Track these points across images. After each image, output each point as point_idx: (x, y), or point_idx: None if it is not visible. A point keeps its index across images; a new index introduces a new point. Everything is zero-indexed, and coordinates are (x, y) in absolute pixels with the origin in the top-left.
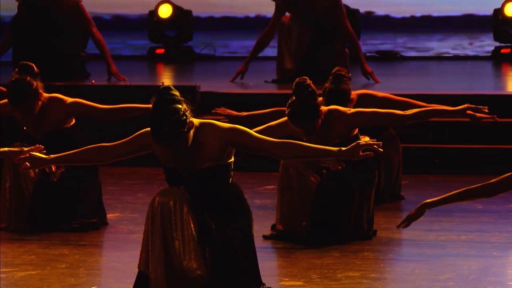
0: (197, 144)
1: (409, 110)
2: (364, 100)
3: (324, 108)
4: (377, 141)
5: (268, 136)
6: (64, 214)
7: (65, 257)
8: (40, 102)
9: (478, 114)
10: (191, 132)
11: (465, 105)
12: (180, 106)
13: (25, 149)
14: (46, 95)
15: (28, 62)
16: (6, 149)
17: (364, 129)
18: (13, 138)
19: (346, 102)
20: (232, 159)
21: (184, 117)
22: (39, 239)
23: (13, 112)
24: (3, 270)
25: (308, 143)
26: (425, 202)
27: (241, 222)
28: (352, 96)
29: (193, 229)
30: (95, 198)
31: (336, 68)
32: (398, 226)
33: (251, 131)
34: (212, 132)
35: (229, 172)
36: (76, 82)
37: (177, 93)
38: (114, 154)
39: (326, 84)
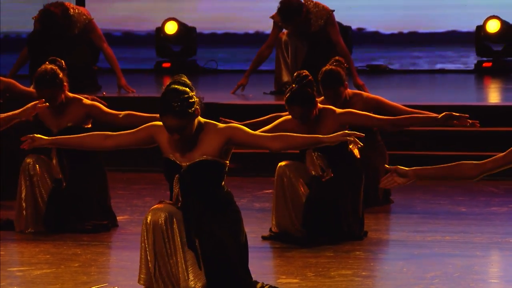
0: (199, 138)
1: (395, 117)
2: (355, 98)
3: (320, 105)
4: (363, 148)
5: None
6: (77, 217)
7: (78, 256)
8: (63, 95)
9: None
10: (196, 121)
11: (447, 113)
12: (189, 90)
13: (29, 105)
14: (70, 94)
15: (58, 58)
16: (16, 111)
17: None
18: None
19: (340, 83)
20: (228, 163)
21: (192, 100)
22: (53, 240)
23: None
24: (21, 268)
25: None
26: (416, 174)
27: (231, 223)
28: (347, 90)
29: (184, 243)
30: (105, 201)
31: (337, 57)
32: (383, 184)
33: (246, 128)
34: (213, 130)
35: (223, 173)
36: (88, 94)
37: (189, 82)
38: (119, 141)
39: (324, 68)
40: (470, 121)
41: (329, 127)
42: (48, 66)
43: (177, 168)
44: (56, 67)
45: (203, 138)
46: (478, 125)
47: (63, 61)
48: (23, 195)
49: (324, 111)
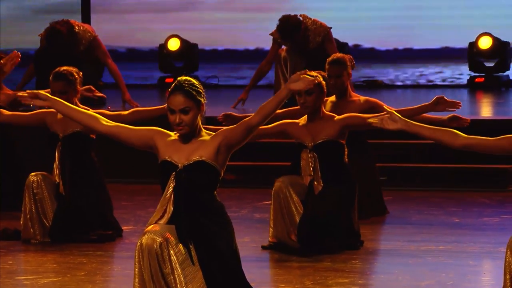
0: (197, 142)
1: None
2: (354, 98)
3: (324, 110)
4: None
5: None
6: (82, 228)
7: (84, 265)
8: (74, 100)
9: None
10: (198, 121)
11: (438, 97)
12: (200, 86)
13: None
14: (80, 106)
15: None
16: None
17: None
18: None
19: (345, 66)
20: (222, 173)
21: (201, 92)
22: (60, 250)
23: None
24: (28, 277)
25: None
26: (407, 124)
27: (223, 231)
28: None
29: (181, 261)
30: (109, 212)
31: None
32: (373, 119)
33: (233, 126)
34: (209, 136)
35: (217, 180)
36: (94, 108)
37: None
38: (116, 131)
39: None
40: (462, 117)
41: (330, 130)
42: (67, 66)
43: (173, 168)
44: (74, 70)
45: (200, 143)
46: (467, 124)
47: (81, 72)
48: (28, 213)
49: (326, 116)
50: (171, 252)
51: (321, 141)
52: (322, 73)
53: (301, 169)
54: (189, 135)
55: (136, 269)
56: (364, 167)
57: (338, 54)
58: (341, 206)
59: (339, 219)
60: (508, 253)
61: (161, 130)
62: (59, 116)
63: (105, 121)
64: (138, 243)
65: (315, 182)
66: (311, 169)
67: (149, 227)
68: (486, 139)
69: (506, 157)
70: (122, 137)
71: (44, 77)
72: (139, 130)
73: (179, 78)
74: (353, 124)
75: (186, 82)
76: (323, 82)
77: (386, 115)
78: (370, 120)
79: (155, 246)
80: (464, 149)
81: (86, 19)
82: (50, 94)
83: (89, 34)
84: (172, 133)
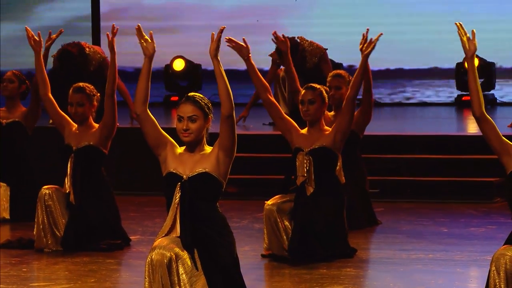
0: (201, 156)
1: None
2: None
3: (323, 123)
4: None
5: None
6: (92, 238)
7: (94, 272)
8: (90, 115)
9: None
10: (204, 135)
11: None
12: (209, 103)
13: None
14: (94, 123)
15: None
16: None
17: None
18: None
19: (345, 80)
20: (224, 185)
21: (210, 107)
22: (71, 258)
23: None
24: (41, 284)
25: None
26: (473, 58)
27: (226, 240)
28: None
29: (188, 271)
30: (117, 222)
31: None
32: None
33: None
34: (210, 149)
35: (219, 191)
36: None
37: None
38: (151, 119)
39: None
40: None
41: (326, 138)
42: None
43: (178, 179)
44: (92, 87)
45: (203, 155)
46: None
47: (98, 94)
48: (40, 223)
49: (323, 129)
50: (179, 264)
51: (317, 147)
52: (325, 87)
53: (296, 171)
54: (193, 145)
55: (147, 283)
56: (356, 179)
57: (340, 70)
58: (331, 219)
59: (330, 231)
60: (493, 268)
61: (175, 144)
62: (75, 129)
63: (147, 108)
64: (148, 259)
65: (306, 184)
66: (305, 170)
67: (157, 242)
68: (500, 137)
69: (492, 167)
70: (146, 127)
71: (58, 95)
72: (162, 133)
73: (190, 93)
74: (342, 122)
75: (197, 95)
76: (325, 94)
77: (472, 40)
78: (459, 23)
79: (165, 261)
80: (479, 119)
81: (96, 41)
82: (69, 106)
83: (98, 55)
84: (179, 147)
